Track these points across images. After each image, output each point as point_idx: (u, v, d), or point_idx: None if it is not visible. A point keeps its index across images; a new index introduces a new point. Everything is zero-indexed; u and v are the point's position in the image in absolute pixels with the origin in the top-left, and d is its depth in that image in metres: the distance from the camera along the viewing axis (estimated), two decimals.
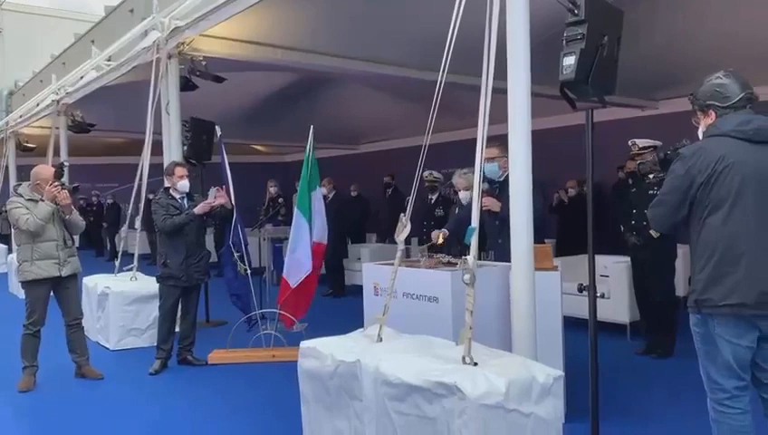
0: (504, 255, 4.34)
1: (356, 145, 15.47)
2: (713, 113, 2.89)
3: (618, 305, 6.40)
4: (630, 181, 6.84)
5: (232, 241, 6.43)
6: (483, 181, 5.23)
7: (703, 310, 2.80)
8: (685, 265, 6.45)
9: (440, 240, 5.14)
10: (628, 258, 6.13)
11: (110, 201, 16.35)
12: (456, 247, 5.28)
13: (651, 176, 5.28)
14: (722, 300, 2.73)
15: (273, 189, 10.68)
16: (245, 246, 6.50)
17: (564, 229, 9.79)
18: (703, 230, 2.80)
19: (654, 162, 5.13)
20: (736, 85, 2.84)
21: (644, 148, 5.59)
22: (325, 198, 9.10)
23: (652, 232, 5.39)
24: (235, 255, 6.39)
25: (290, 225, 6.45)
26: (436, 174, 8.98)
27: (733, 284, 2.71)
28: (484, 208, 5.18)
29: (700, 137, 2.97)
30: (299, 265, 6.07)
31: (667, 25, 6.22)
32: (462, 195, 6.03)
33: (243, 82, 8.44)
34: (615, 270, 6.48)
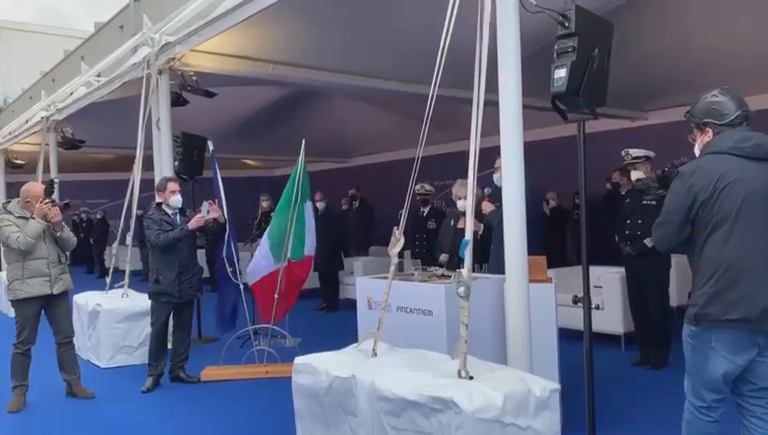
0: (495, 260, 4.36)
1: (347, 158, 15.48)
2: (710, 131, 2.91)
3: (612, 316, 6.40)
4: (623, 192, 6.88)
5: (225, 255, 6.40)
6: (488, 187, 5.28)
7: (702, 323, 2.81)
8: (678, 276, 6.47)
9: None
10: (622, 269, 6.14)
11: (98, 216, 16.26)
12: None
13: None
14: (724, 315, 2.74)
15: (265, 204, 10.62)
16: (238, 261, 6.47)
17: (544, 241, 9.77)
18: (705, 247, 2.81)
19: (652, 179, 5.16)
20: (732, 103, 2.87)
21: (636, 157, 5.63)
22: (317, 211, 9.11)
23: (646, 242, 5.42)
24: (228, 269, 6.35)
25: None
26: (428, 187, 8.99)
27: (735, 299, 2.73)
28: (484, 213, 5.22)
29: (696, 154, 2.99)
30: (258, 267, 6.09)
31: (656, 38, 6.28)
32: (460, 204, 6.03)
33: (234, 96, 8.43)
34: (608, 281, 6.49)
